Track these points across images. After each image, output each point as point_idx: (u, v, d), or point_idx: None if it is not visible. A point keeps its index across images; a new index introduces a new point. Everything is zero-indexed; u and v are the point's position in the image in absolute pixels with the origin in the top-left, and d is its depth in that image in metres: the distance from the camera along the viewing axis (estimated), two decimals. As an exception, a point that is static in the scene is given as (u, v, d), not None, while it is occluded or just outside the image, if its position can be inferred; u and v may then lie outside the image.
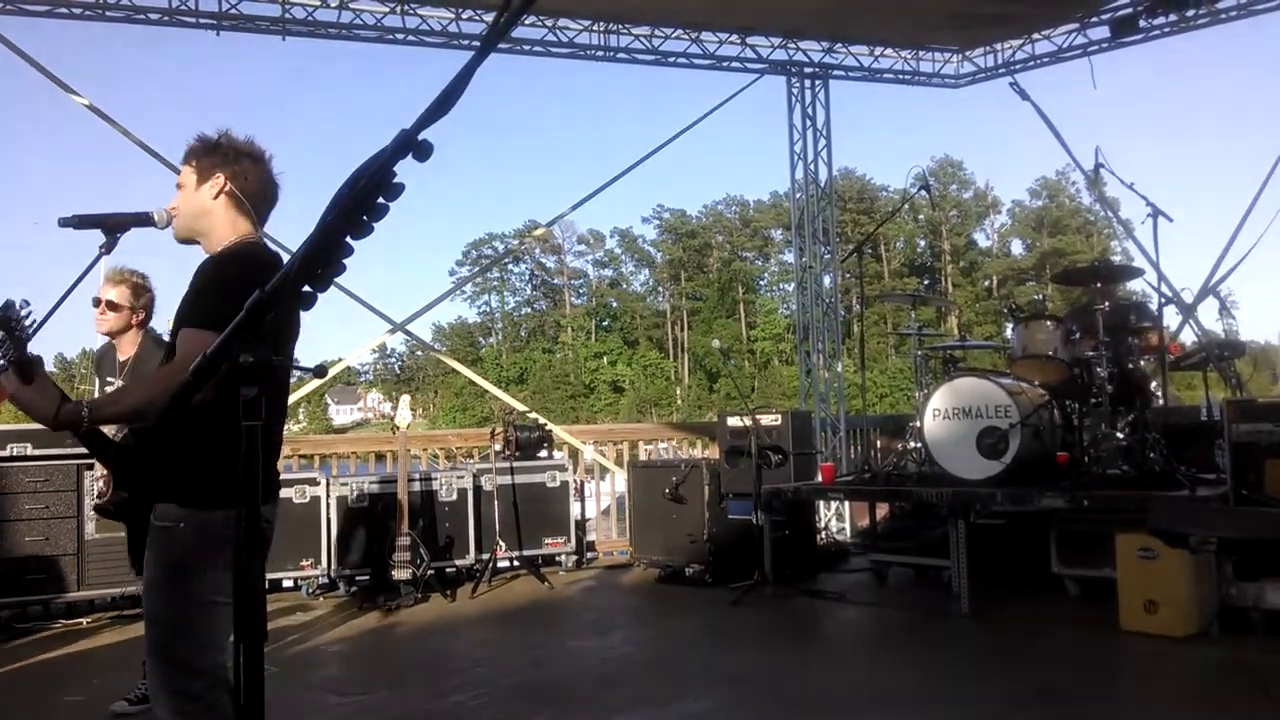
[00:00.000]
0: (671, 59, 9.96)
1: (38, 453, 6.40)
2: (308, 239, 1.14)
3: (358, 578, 7.19)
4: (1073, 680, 4.47)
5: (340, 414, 73.53)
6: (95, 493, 4.43)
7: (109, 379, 4.41)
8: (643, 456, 9.69)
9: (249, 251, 2.49)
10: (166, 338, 4.59)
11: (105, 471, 2.65)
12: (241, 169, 2.57)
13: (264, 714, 1.27)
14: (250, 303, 1.23)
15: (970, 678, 4.65)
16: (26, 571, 6.25)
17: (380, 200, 1.10)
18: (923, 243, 71.47)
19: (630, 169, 10.75)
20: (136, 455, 2.40)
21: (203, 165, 2.56)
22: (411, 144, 1.07)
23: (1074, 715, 3.94)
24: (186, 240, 2.60)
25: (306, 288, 1.16)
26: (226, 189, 2.55)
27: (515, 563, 7.86)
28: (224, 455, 2.11)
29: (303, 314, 2.46)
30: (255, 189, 2.60)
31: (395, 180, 1.10)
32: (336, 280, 1.23)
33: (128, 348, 4.40)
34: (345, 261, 1.15)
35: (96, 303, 4.36)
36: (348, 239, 1.12)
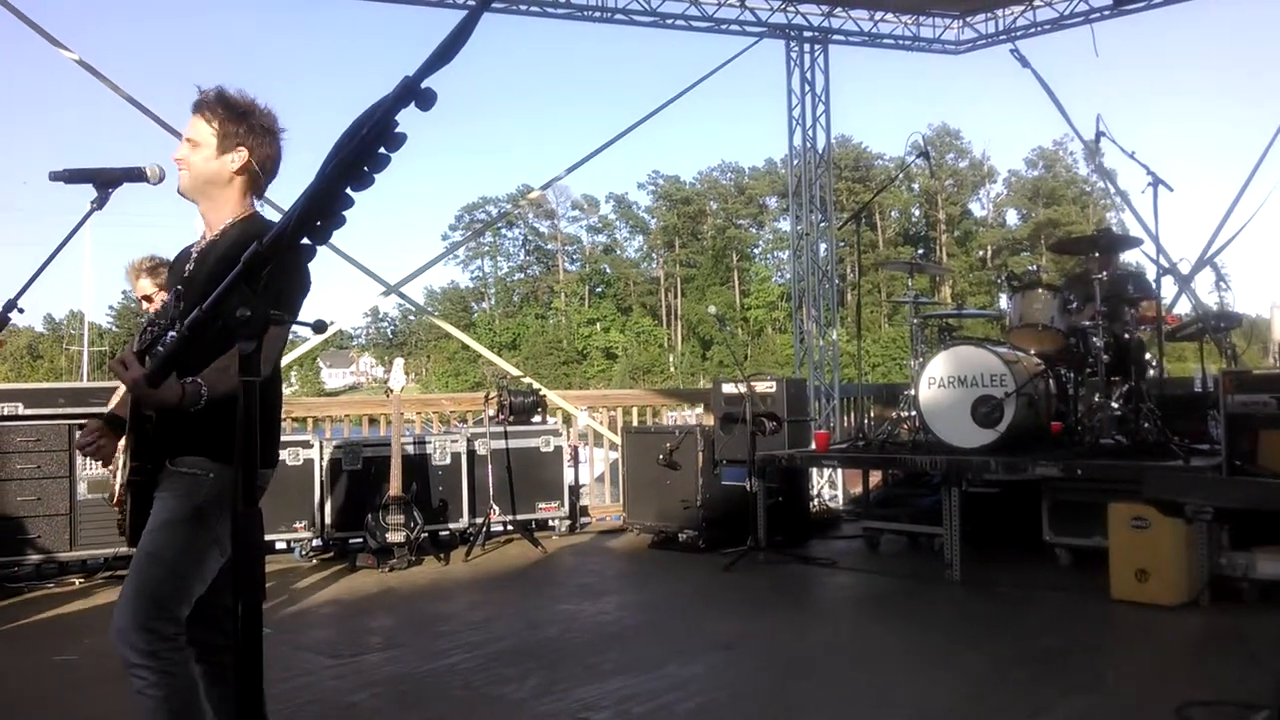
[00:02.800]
0: (669, 21, 9.85)
1: (29, 412, 6.36)
2: (306, 190, 1.11)
3: (350, 540, 7.19)
4: (1061, 646, 4.49)
5: (332, 378, 73.48)
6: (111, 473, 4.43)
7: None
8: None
9: (267, 226, 2.50)
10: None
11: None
12: (262, 144, 2.59)
13: (261, 672, 1.26)
14: (247, 256, 1.20)
15: (959, 643, 4.67)
16: (18, 531, 6.23)
17: (382, 150, 1.07)
18: (917, 212, 71.27)
19: (625, 133, 10.65)
20: (165, 419, 2.40)
21: (227, 132, 2.54)
22: (414, 92, 1.03)
23: (1062, 681, 3.97)
24: (190, 197, 2.60)
25: (305, 240, 1.13)
26: (250, 166, 2.56)
27: (508, 527, 7.86)
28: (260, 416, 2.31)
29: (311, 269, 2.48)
30: (271, 165, 2.64)
31: (397, 130, 1.07)
32: (331, 241, 1.20)
33: None
34: (345, 214, 1.12)
35: (147, 299, 4.65)
36: (348, 190, 1.09)
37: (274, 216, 2.76)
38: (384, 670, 4.38)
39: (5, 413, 6.31)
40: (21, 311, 2.63)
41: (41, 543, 6.31)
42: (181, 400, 2.21)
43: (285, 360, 4.48)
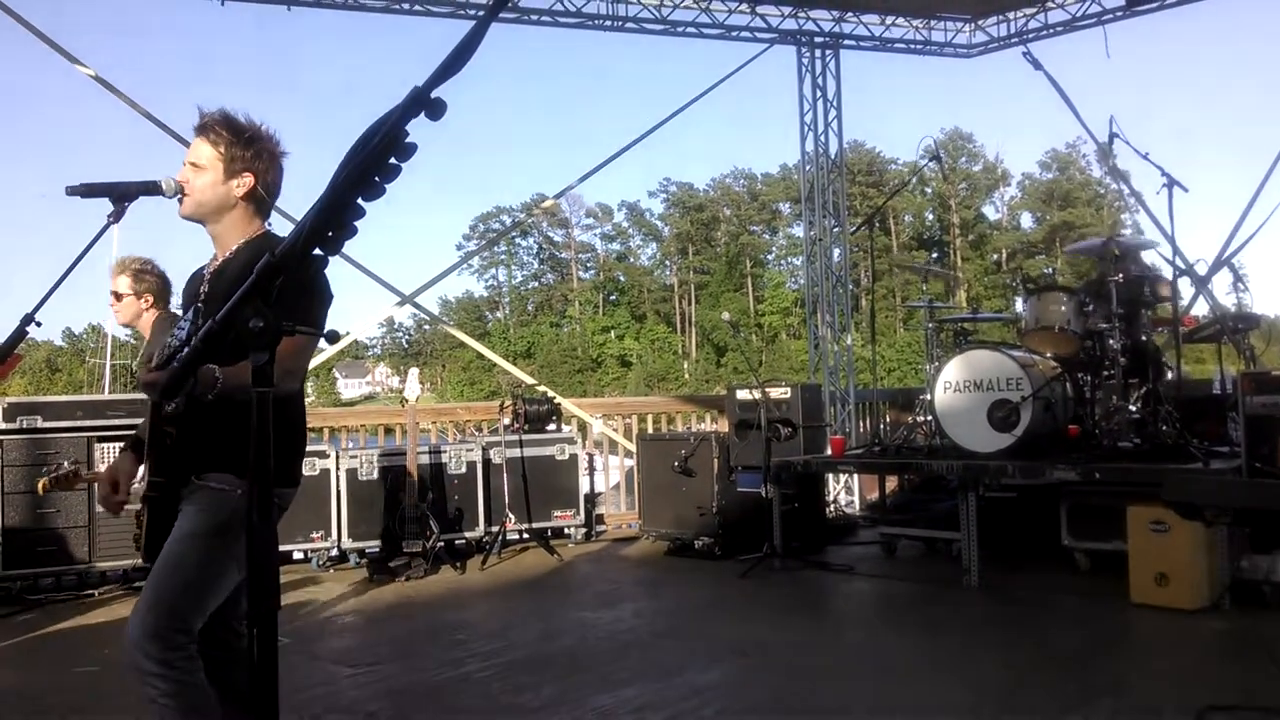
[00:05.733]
0: (680, 28, 9.87)
1: (48, 425, 6.41)
2: (318, 200, 1.11)
3: (367, 550, 7.21)
4: (1080, 651, 4.46)
5: (348, 388, 73.68)
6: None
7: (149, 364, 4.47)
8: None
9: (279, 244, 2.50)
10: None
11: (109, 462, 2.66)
12: (267, 167, 2.59)
13: (277, 683, 1.26)
14: (260, 267, 1.20)
15: (978, 649, 4.65)
16: (38, 543, 6.28)
17: (392, 160, 1.07)
18: (931, 216, 71.06)
19: (638, 141, 10.69)
20: (189, 433, 2.41)
21: (233, 157, 2.54)
22: (424, 101, 1.04)
23: (1081, 686, 3.94)
24: (195, 220, 2.60)
25: (317, 250, 1.14)
26: (255, 191, 2.57)
27: (524, 535, 7.87)
28: (284, 435, 2.45)
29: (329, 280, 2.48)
30: (274, 188, 2.64)
31: (408, 140, 1.08)
32: (345, 252, 1.21)
33: (146, 332, 4.41)
34: (357, 224, 1.13)
35: (116, 297, 4.35)
36: (359, 200, 1.10)
37: (285, 227, 2.79)
38: (401, 679, 4.39)
39: (25, 425, 6.36)
40: (39, 325, 2.64)
41: (61, 554, 6.35)
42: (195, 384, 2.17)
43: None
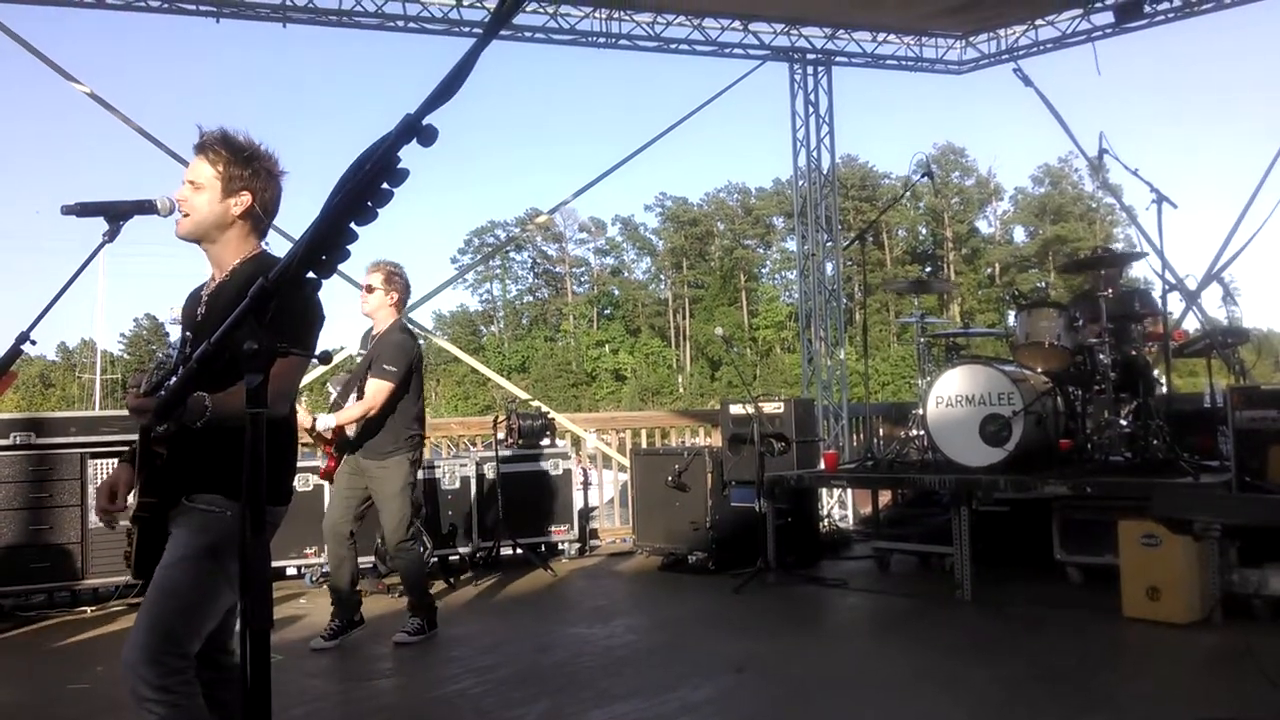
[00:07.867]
0: (674, 45, 9.92)
1: (42, 441, 6.39)
2: (312, 225, 1.13)
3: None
4: (1074, 666, 4.47)
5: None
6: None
7: (362, 351, 5.52)
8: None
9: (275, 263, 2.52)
10: (174, 331, 4.65)
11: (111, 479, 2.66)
12: (265, 186, 2.60)
13: (270, 701, 1.27)
14: (254, 290, 1.22)
15: (971, 663, 4.65)
16: (30, 560, 6.26)
17: (385, 186, 1.10)
18: (925, 230, 71.30)
19: (632, 156, 10.73)
20: (180, 454, 2.42)
21: (231, 175, 2.55)
22: (416, 129, 1.06)
23: (1074, 701, 3.95)
24: (193, 240, 2.61)
25: (310, 274, 1.16)
26: (253, 210, 2.58)
27: (518, 550, 7.86)
28: (275, 454, 2.39)
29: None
30: (272, 207, 2.66)
31: (400, 166, 1.10)
32: (340, 268, 1.23)
33: (380, 325, 5.30)
34: (350, 248, 1.15)
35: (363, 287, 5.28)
36: (352, 225, 1.12)
37: (283, 246, 2.80)
38: (394, 696, 4.39)
39: (18, 441, 6.35)
40: (34, 343, 2.66)
41: (54, 571, 6.32)
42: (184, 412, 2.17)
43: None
